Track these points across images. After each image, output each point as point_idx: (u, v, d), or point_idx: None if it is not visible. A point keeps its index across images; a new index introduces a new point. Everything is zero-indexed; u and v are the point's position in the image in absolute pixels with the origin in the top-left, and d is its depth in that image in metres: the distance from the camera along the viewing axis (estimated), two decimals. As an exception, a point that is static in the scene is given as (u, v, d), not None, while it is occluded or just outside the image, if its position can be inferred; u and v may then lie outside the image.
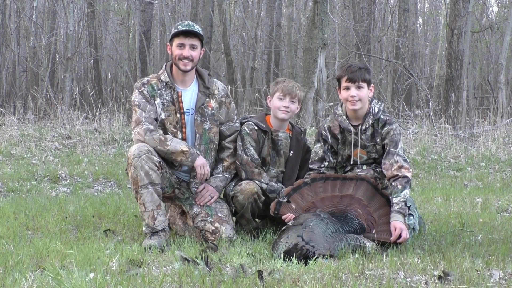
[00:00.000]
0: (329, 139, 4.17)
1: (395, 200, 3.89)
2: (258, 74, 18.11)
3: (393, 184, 3.94)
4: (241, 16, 19.21)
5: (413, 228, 4.07)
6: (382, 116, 4.10)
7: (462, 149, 9.78)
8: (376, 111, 4.09)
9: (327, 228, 3.61)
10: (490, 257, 3.54)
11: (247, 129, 4.23)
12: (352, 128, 4.11)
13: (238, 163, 4.23)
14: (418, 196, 6.19)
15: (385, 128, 4.08)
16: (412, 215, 4.08)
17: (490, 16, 19.81)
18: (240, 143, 4.22)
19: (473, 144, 10.43)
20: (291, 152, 4.28)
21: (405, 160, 4.01)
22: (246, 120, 4.30)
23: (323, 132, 4.19)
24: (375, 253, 3.60)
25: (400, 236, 3.79)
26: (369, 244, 3.71)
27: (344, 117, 4.12)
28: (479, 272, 3.12)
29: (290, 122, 4.39)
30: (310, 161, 4.24)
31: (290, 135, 4.31)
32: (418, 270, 3.20)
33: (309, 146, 4.41)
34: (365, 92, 4.03)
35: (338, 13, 16.84)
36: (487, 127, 11.52)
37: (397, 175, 3.94)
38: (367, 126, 4.09)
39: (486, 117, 12.90)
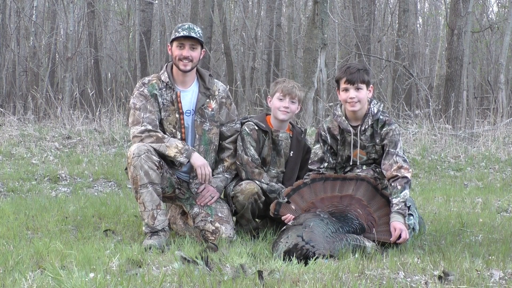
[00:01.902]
0: (329, 140, 4.17)
1: (394, 200, 3.88)
2: (258, 74, 18.11)
3: (392, 184, 3.94)
4: (241, 16, 19.21)
5: (413, 228, 4.07)
6: (381, 117, 4.10)
7: (462, 149, 9.78)
8: (376, 111, 4.09)
9: (327, 228, 3.61)
10: (490, 257, 3.54)
11: (247, 129, 4.23)
12: (351, 129, 4.10)
13: (238, 163, 4.23)
14: (418, 196, 6.19)
15: (384, 129, 4.08)
16: (412, 215, 4.08)
17: (490, 16, 19.81)
18: (241, 143, 4.22)
19: (473, 144, 10.43)
20: (292, 152, 4.28)
21: (404, 161, 4.01)
22: (246, 120, 4.30)
23: (323, 133, 4.19)
24: (375, 253, 3.60)
25: (400, 236, 3.79)
26: (369, 244, 3.70)
27: (344, 117, 4.12)
28: (479, 272, 3.12)
29: (290, 122, 4.38)
30: (310, 161, 4.23)
31: (291, 135, 4.31)
32: (418, 270, 3.20)
33: (310, 146, 4.41)
34: (364, 93, 4.03)
35: (338, 13, 16.83)
36: (487, 127, 11.52)
37: (397, 175, 3.94)
38: (367, 126, 4.09)
39: (486, 117, 12.90)
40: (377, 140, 4.11)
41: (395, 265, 3.27)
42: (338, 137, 4.16)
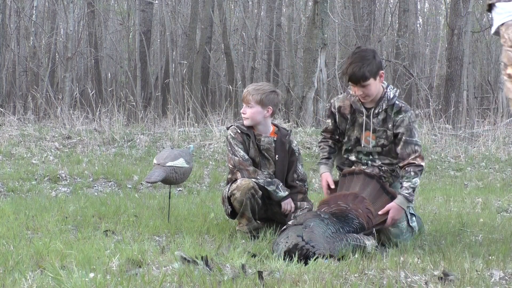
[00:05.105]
0: (337, 119, 4.14)
1: (405, 184, 3.88)
2: (258, 74, 18.11)
3: (406, 169, 3.92)
4: (241, 16, 19.21)
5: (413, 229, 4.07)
6: (397, 102, 4.01)
7: (462, 149, 9.78)
8: (391, 96, 4.01)
9: (327, 229, 3.61)
10: (490, 257, 3.54)
11: (232, 134, 4.23)
12: (364, 110, 4.05)
13: (231, 166, 4.21)
14: (418, 196, 6.18)
15: (400, 116, 3.99)
16: (414, 215, 4.08)
17: (490, 16, 19.80)
18: (229, 148, 4.22)
19: (473, 144, 10.43)
20: (277, 156, 4.25)
21: (420, 147, 3.99)
22: (230, 125, 4.32)
23: (333, 110, 4.16)
24: (375, 253, 3.60)
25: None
26: (368, 242, 3.69)
27: (358, 98, 4.07)
28: (479, 272, 3.12)
29: (276, 125, 4.35)
30: (322, 130, 4.26)
31: (275, 139, 4.28)
32: (418, 270, 3.20)
33: (294, 148, 4.36)
34: (372, 86, 3.93)
35: (338, 13, 16.84)
36: (487, 127, 11.53)
37: (413, 163, 3.93)
38: (380, 110, 4.01)
39: (486, 117, 12.90)
40: (389, 125, 4.01)
41: (395, 265, 3.27)
42: (348, 117, 4.11)
